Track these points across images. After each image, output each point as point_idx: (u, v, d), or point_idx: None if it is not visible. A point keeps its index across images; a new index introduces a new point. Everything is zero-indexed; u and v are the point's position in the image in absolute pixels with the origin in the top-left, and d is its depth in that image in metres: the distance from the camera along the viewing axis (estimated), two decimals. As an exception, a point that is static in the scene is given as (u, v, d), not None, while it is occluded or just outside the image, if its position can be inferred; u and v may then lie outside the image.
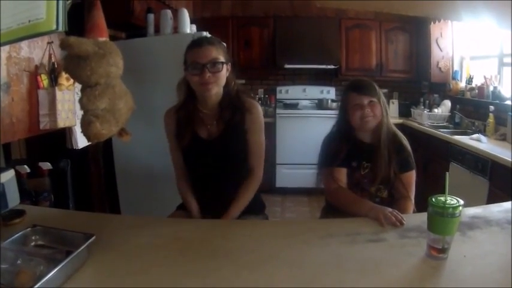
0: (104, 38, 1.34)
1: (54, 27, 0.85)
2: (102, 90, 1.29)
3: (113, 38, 1.44)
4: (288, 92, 6.35)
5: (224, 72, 1.98)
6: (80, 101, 1.31)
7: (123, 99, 1.38)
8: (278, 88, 6.39)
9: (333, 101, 6.03)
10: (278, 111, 5.78)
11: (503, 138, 4.05)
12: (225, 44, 2.19)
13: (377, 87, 2.21)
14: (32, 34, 0.89)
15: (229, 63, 2.03)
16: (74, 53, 1.21)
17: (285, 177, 5.75)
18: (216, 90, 1.98)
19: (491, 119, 4.34)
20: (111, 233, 1.67)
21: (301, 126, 5.61)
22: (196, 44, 1.98)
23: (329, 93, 6.28)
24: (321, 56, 5.88)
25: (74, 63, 1.26)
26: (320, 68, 6.10)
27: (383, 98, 2.21)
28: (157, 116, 2.23)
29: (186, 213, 2.11)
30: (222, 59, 1.96)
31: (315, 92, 6.30)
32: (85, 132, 1.33)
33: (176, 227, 1.85)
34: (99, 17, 1.34)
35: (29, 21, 0.88)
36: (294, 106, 6.01)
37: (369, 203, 1.97)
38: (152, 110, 2.37)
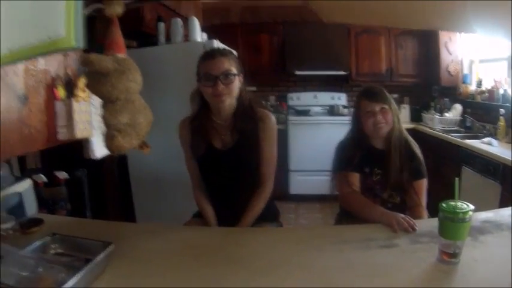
0: (122, 55, 1.38)
1: (74, 44, 0.88)
2: (122, 105, 1.33)
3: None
4: (300, 99, 6.37)
5: (237, 84, 2.01)
6: (102, 115, 1.36)
7: (143, 113, 1.42)
8: (289, 95, 6.42)
9: (344, 107, 6.05)
10: (290, 118, 5.80)
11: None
12: (235, 52, 2.22)
13: (387, 94, 2.24)
14: (51, 50, 0.93)
15: (242, 74, 2.06)
16: (94, 69, 1.26)
17: (299, 184, 5.76)
18: (230, 102, 2.01)
19: (501, 122, 4.33)
20: (127, 241, 1.71)
21: (313, 133, 5.62)
22: (209, 55, 2.01)
23: (340, 99, 6.28)
24: (330, 62, 5.90)
25: (94, 80, 1.31)
26: (330, 74, 6.10)
27: (394, 105, 2.24)
28: (169, 124, 2.25)
29: (202, 221, 2.13)
30: (234, 70, 1.99)
31: (326, 98, 6.31)
32: (108, 145, 1.37)
33: (191, 234, 1.89)
34: (118, 34, 1.37)
35: (49, 37, 0.91)
36: (306, 113, 6.00)
37: (381, 208, 1.99)
38: (164, 118, 2.41)
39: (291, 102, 6.36)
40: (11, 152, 1.68)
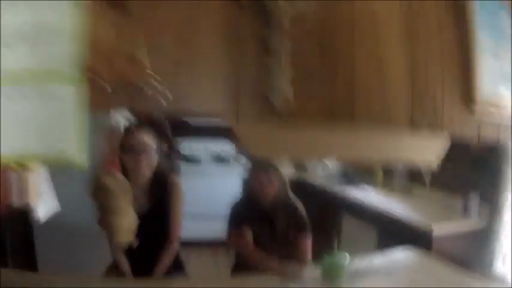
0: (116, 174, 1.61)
1: (83, 164, 1.00)
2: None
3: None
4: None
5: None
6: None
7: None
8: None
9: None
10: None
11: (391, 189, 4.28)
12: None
13: (274, 163, 2.55)
14: (54, 163, 1.05)
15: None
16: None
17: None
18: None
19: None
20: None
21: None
22: (129, 130, 2.26)
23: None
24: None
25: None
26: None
27: (280, 171, 2.55)
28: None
29: (118, 273, 2.22)
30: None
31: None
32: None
33: (112, 285, 2.08)
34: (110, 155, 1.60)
35: (58, 151, 1.02)
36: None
37: (275, 261, 2.30)
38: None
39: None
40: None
